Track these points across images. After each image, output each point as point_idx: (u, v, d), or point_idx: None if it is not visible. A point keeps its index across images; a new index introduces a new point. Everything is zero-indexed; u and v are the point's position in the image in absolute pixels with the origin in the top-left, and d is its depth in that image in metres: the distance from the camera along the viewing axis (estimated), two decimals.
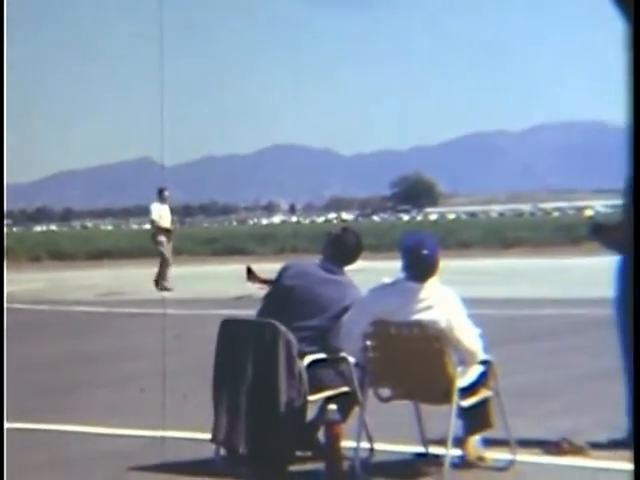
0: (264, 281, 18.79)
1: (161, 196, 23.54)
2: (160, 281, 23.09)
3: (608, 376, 8.36)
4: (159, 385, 10.57)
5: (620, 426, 7.00)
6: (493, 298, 18.04)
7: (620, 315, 7.08)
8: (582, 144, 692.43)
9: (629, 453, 6.75)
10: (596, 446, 6.89)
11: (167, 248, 23.34)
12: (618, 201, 7.15)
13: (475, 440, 6.68)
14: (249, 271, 20.39)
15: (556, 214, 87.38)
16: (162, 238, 23.25)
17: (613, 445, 6.91)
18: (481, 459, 6.66)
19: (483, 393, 6.58)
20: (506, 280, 23.96)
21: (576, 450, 6.80)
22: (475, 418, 6.60)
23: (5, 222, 24.95)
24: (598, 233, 7.37)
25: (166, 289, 22.64)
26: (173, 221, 24.04)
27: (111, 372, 11.53)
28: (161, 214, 23.34)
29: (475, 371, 6.57)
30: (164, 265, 23.27)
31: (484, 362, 6.60)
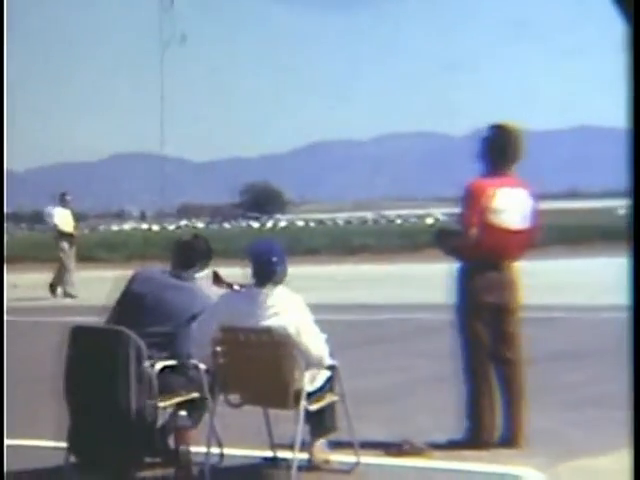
0: (231, 285, 17.75)
1: (63, 200, 22.34)
2: (63, 287, 22.07)
3: (448, 379, 8.52)
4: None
5: (459, 427, 7.14)
6: (339, 304, 18.16)
7: (460, 319, 7.21)
8: (423, 153, 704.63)
9: (468, 453, 6.90)
10: (436, 447, 7.01)
11: (69, 253, 22.12)
12: (457, 209, 7.30)
13: (321, 443, 6.72)
14: (215, 275, 19.00)
15: (399, 221, 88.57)
16: (64, 243, 22.04)
17: (452, 446, 7.04)
18: (326, 462, 6.71)
19: (329, 398, 6.64)
20: (352, 286, 24.15)
21: (417, 451, 6.90)
22: (321, 422, 6.64)
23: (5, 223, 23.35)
24: (441, 240, 7.50)
25: (70, 296, 21.75)
26: (76, 226, 22.84)
27: None
28: (63, 219, 22.24)
29: (322, 376, 6.62)
30: (65, 271, 22.03)
31: (330, 367, 6.65)
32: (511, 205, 7.09)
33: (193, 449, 6.38)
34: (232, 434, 6.90)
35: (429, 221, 76.73)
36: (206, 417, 6.67)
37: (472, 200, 7.07)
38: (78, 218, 24.06)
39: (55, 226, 22.18)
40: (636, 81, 2.20)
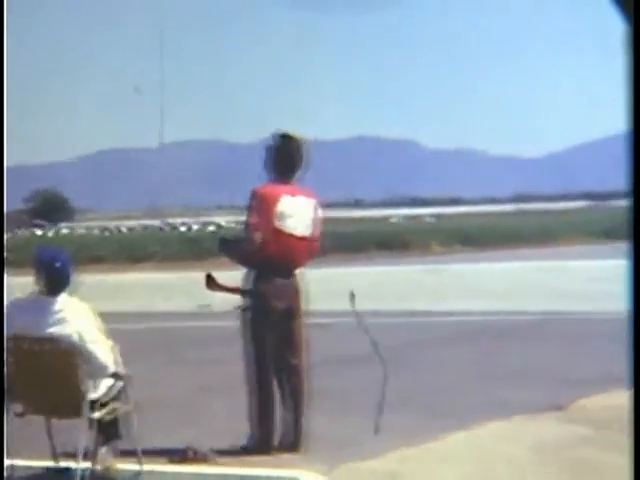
0: (226, 289, 16.44)
1: None
2: None
3: (233, 385, 8.46)
4: None
5: (242, 433, 7.08)
6: (125, 312, 17.90)
7: (247, 325, 7.15)
8: (204, 162, 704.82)
9: (251, 458, 6.84)
10: (220, 453, 6.94)
11: None
12: (241, 217, 7.28)
13: (105, 452, 6.55)
14: (209, 278, 17.21)
15: (184, 229, 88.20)
16: None
17: (235, 451, 6.99)
18: (110, 470, 6.53)
19: (114, 405, 6.50)
20: (138, 294, 23.88)
21: (200, 458, 6.82)
22: (105, 430, 6.49)
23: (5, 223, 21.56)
24: (226, 247, 7.43)
25: None
26: None
27: None
28: None
29: (106, 384, 6.47)
30: None
31: (115, 375, 6.51)
32: (296, 212, 7.10)
33: None
34: (14, 444, 6.63)
35: (212, 228, 76.77)
36: None
37: (258, 206, 7.05)
38: None
39: None
40: (636, 81, 2.17)
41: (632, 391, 2.22)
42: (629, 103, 2.22)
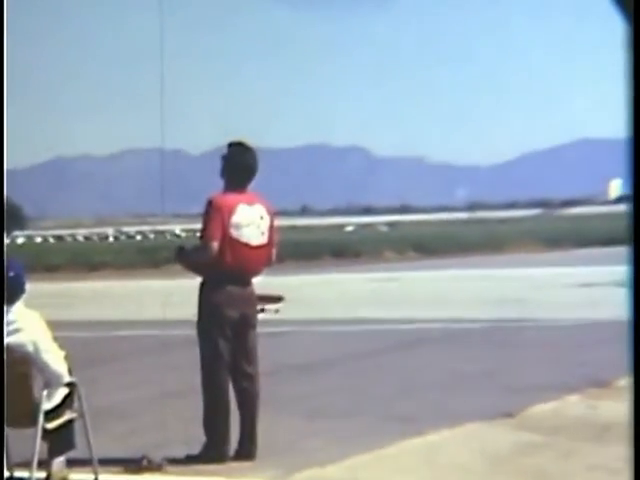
0: None
1: None
2: None
3: (187, 393, 8.43)
4: None
5: (197, 441, 7.04)
6: (79, 320, 17.79)
7: (202, 334, 7.13)
8: (160, 169, 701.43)
9: (204, 467, 6.80)
10: (174, 462, 6.89)
11: None
12: (196, 225, 7.24)
13: (59, 461, 6.49)
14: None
15: (139, 237, 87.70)
16: None
17: (190, 460, 6.94)
18: None
19: (67, 415, 6.45)
20: (92, 302, 23.69)
21: (155, 467, 6.77)
22: (59, 440, 6.43)
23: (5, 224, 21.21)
24: (181, 256, 7.39)
25: None
26: None
27: None
28: None
29: (60, 393, 6.42)
30: None
31: (69, 384, 6.46)
32: (252, 221, 7.08)
33: None
34: None
35: (168, 237, 76.45)
36: None
37: (213, 214, 7.02)
38: None
39: None
40: (636, 81, 2.17)
41: (632, 391, 2.24)
42: (629, 104, 2.23)
